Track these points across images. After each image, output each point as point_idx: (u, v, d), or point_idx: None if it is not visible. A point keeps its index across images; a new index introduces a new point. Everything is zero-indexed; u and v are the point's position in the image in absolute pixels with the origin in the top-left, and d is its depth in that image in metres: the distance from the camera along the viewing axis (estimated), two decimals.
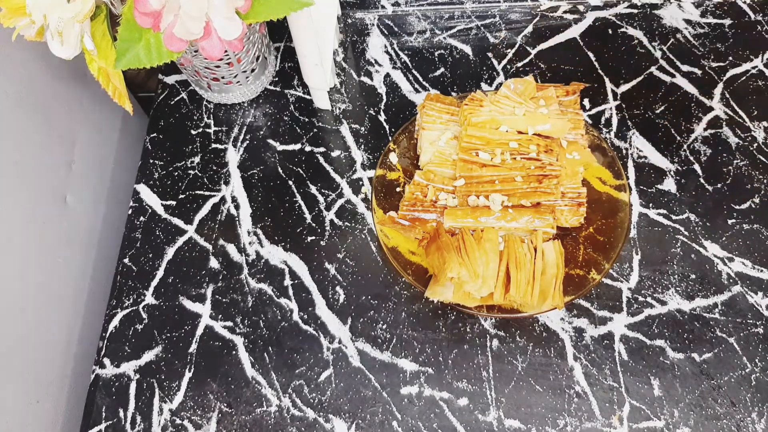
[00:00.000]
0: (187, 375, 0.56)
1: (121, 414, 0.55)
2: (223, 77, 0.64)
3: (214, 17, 0.46)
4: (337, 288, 0.59)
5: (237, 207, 0.63)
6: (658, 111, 0.65)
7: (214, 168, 0.66)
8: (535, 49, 0.70)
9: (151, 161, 0.67)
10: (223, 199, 0.64)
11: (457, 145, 0.57)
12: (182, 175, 0.66)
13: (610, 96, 0.66)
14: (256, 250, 0.61)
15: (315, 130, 0.67)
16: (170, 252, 0.62)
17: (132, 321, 0.59)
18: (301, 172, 0.65)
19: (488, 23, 0.72)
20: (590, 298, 0.56)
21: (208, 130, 0.68)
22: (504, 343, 0.55)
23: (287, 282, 0.59)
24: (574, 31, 0.70)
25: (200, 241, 0.62)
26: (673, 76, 0.67)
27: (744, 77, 0.66)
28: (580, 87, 0.60)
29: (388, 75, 0.70)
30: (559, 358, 0.54)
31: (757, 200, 0.59)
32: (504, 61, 0.69)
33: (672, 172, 0.61)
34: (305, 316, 0.58)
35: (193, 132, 0.68)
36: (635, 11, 0.71)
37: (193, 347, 0.57)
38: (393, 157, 0.61)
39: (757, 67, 0.66)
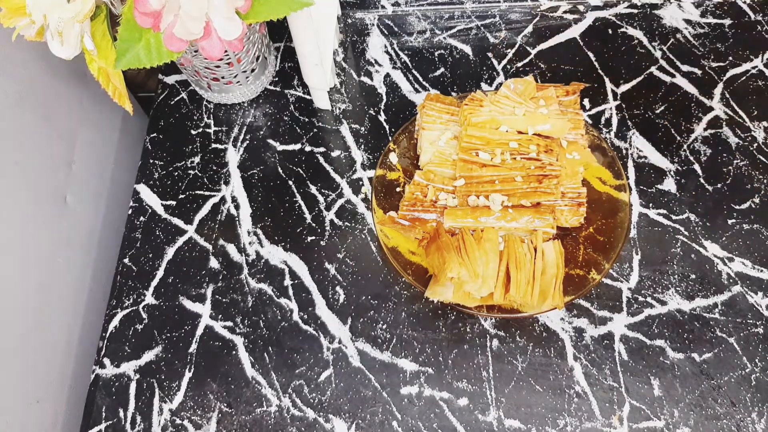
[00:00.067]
0: (187, 375, 0.56)
1: (121, 414, 0.55)
2: (223, 77, 0.64)
3: (214, 17, 0.46)
4: (337, 288, 0.59)
5: (237, 207, 0.63)
6: (658, 111, 0.65)
7: (214, 168, 0.66)
8: (535, 49, 0.70)
9: (151, 161, 0.67)
10: (223, 199, 0.64)
11: (457, 145, 0.57)
12: (182, 175, 0.66)
13: (610, 96, 0.66)
14: (256, 250, 0.61)
15: (315, 130, 0.67)
16: (170, 252, 0.62)
17: (132, 321, 0.59)
18: (301, 172, 0.65)
19: (488, 23, 0.72)
20: (590, 298, 0.56)
21: (208, 130, 0.68)
22: (504, 343, 0.55)
23: (287, 282, 0.59)
24: (574, 31, 0.70)
25: (200, 241, 0.62)
26: (673, 76, 0.67)
27: (744, 77, 0.66)
28: (580, 87, 0.60)
29: (388, 75, 0.70)
30: (559, 358, 0.54)
31: (757, 200, 0.59)
32: (504, 61, 0.69)
33: (672, 172, 0.61)
34: (305, 316, 0.58)
35: (193, 132, 0.68)
36: (635, 11, 0.71)
37: (193, 347, 0.57)
38: (393, 157, 0.61)
39: (757, 67, 0.66)
